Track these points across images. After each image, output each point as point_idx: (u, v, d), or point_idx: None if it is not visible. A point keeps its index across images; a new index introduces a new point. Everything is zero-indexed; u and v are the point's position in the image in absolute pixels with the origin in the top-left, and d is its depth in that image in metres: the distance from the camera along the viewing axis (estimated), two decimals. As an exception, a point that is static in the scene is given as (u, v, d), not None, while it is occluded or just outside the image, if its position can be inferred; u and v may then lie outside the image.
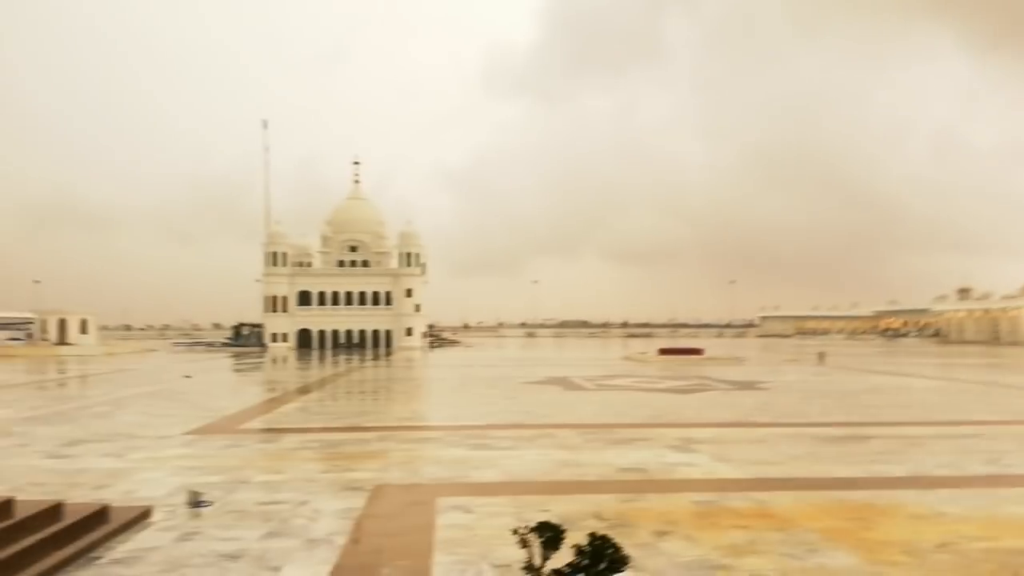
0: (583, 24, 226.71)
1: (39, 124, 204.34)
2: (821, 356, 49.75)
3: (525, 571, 4.76)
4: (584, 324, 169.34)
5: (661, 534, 8.02)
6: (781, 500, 9.55)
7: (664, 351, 52.01)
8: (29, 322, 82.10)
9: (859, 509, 9.10)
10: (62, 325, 66.18)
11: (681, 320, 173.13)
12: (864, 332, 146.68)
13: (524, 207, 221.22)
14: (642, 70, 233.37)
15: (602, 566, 4.48)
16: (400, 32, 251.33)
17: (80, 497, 9.27)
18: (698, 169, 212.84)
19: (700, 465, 12.14)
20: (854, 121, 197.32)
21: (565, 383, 29.57)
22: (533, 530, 4.80)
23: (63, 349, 61.71)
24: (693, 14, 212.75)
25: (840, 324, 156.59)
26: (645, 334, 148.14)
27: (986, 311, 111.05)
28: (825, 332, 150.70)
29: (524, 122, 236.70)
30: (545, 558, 4.71)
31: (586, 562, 4.51)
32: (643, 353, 55.55)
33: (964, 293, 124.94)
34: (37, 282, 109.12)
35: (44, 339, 65.50)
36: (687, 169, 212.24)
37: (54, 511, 7.64)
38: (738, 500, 9.59)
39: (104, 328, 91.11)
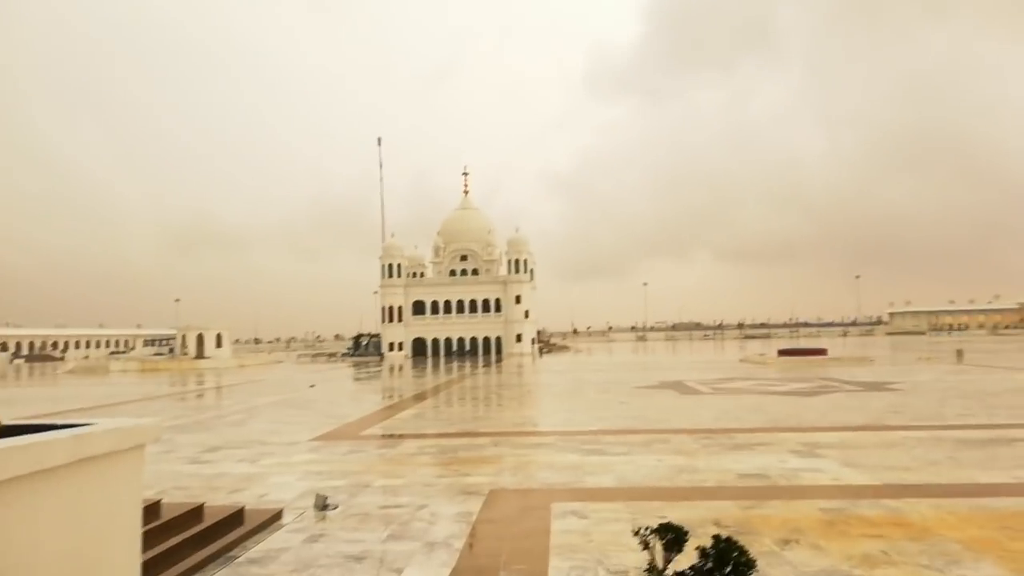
0: (688, 17, 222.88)
1: (178, 156, 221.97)
2: (959, 353, 46.30)
3: (647, 573, 4.69)
4: (697, 326, 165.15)
5: (786, 542, 7.69)
6: (917, 508, 8.95)
7: (784, 352, 49.88)
8: (171, 338, 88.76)
9: (1005, 518, 8.39)
10: (200, 340, 71.08)
11: (801, 319, 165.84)
12: (1008, 326, 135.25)
13: (632, 208, 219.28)
14: (753, 60, 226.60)
15: (727, 570, 4.34)
16: (504, 43, 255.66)
17: (219, 500, 9.92)
18: (817, 159, 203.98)
19: (826, 471, 11.56)
20: (987, 99, 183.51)
21: (679, 387, 28.94)
22: (655, 532, 4.72)
23: (201, 362, 66.30)
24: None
25: (980, 319, 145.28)
26: (763, 335, 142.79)
27: None
28: (963, 328, 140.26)
29: (630, 122, 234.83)
30: (667, 560, 4.62)
31: (710, 565, 4.38)
32: (761, 355, 53.54)
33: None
34: (177, 300, 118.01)
35: (184, 353, 70.56)
36: (805, 160, 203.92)
37: (196, 512, 8.21)
38: (869, 508, 9.06)
39: (236, 342, 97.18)
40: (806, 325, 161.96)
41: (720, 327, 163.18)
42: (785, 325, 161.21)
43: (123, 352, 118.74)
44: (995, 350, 59.79)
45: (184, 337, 71.95)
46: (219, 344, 72.30)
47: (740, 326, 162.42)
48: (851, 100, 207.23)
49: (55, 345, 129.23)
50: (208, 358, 68.49)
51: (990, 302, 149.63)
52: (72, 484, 4.44)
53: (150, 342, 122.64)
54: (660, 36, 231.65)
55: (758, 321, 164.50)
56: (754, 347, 78.88)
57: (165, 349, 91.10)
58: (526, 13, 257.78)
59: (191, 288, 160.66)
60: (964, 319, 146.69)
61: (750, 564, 4.39)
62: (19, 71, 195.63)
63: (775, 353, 50.33)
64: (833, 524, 8.36)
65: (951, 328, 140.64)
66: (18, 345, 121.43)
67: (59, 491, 4.33)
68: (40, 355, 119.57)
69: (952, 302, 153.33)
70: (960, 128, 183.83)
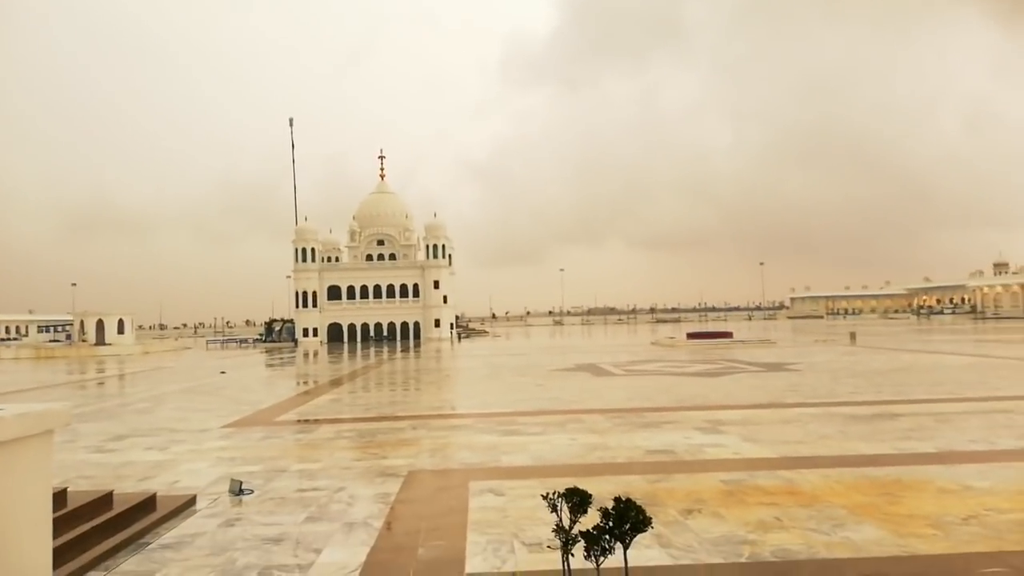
0: (602, 9, 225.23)
1: (75, 133, 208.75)
2: (852, 336, 49.28)
3: (555, 533, 5.02)
4: (611, 311, 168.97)
5: (689, 512, 8.18)
6: (808, 478, 9.65)
7: (692, 335, 51.86)
8: (68, 323, 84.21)
9: (887, 485, 9.17)
10: (100, 326, 67.72)
11: (710, 304, 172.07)
12: (897, 311, 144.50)
13: (548, 196, 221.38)
14: (664, 53, 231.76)
15: (626, 526, 4.71)
16: (421, 27, 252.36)
17: (127, 488, 9.67)
18: (724, 151, 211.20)
19: (728, 446, 12.25)
20: (882, 97, 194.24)
21: (593, 369, 29.73)
22: (562, 496, 5.06)
23: (101, 349, 63.22)
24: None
25: (872, 303, 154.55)
26: (674, 319, 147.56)
27: (1023, 285, 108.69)
28: (857, 312, 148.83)
29: (545, 111, 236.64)
30: (573, 521, 4.97)
31: (611, 524, 4.74)
32: (671, 338, 55.42)
33: (1000, 268, 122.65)
34: (74, 284, 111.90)
35: (83, 340, 67.12)
36: (713, 152, 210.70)
37: (105, 500, 8.02)
38: (766, 479, 9.70)
39: (140, 328, 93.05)
40: (714, 310, 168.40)
41: (633, 312, 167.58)
42: (694, 310, 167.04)
43: (15, 339, 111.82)
44: (884, 333, 63.85)
45: (83, 323, 68.39)
46: (121, 330, 69.06)
47: (652, 311, 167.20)
48: (755, 97, 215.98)
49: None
50: (109, 344, 65.36)
51: (881, 288, 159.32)
52: (-22, 470, 4.34)
53: (44, 328, 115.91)
54: (574, 26, 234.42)
55: (669, 306, 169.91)
56: (665, 331, 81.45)
57: (62, 335, 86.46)
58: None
59: (90, 272, 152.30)
60: (858, 304, 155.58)
61: (646, 521, 4.79)
62: None
63: (684, 336, 52.23)
64: (732, 494, 8.94)
65: (846, 312, 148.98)
66: None
67: (-36, 477, 4.23)
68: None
69: (847, 288, 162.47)
70: (856, 126, 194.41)
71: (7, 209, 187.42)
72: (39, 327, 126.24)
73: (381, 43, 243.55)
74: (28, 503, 4.83)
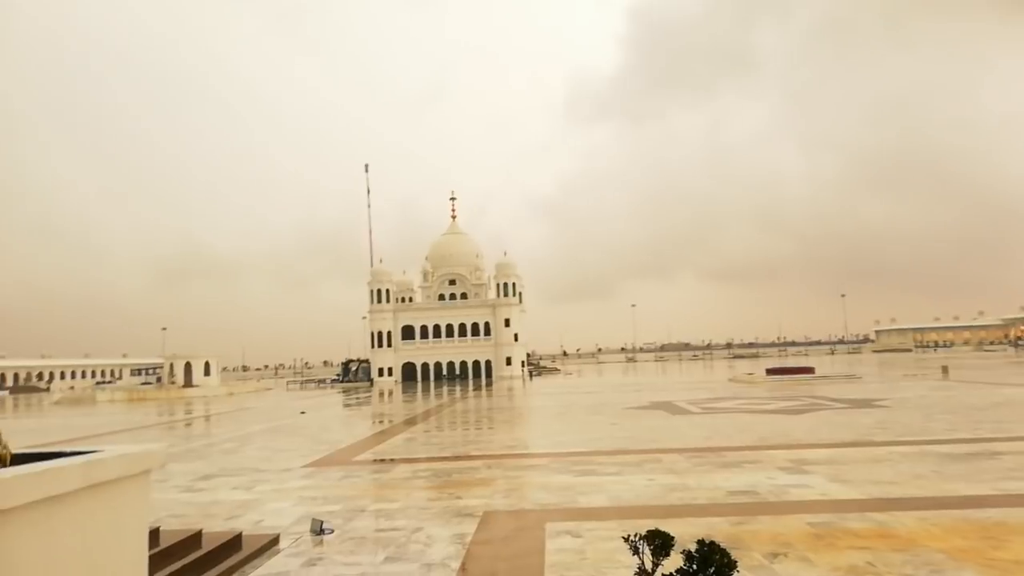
0: (667, 43, 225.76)
1: (166, 183, 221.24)
2: (944, 370, 46.78)
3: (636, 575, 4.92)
4: (686, 346, 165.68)
5: (775, 556, 7.88)
6: (903, 520, 9.17)
7: (772, 371, 50.22)
8: (158, 367, 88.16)
9: (988, 528, 8.62)
10: (187, 368, 70.62)
11: (789, 339, 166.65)
12: (993, 342, 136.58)
13: (617, 230, 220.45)
14: (732, 83, 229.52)
15: (711, 570, 4.57)
16: (487, 69, 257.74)
17: (215, 527, 9.99)
18: (796, 180, 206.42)
19: (814, 486, 11.77)
20: (960, 119, 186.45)
21: (669, 407, 29.13)
22: (643, 537, 4.96)
23: (189, 391, 65.85)
24: (783, 23, 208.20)
25: (965, 335, 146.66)
26: (751, 355, 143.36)
27: None
28: (948, 344, 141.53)
29: (611, 146, 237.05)
30: (655, 564, 4.86)
31: (694, 567, 4.61)
32: (750, 374, 53.88)
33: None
34: (164, 329, 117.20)
35: (172, 382, 70.06)
36: (785, 181, 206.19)
37: (195, 538, 8.31)
38: (856, 521, 9.26)
39: (224, 370, 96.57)
40: (794, 344, 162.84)
41: (709, 347, 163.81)
42: (773, 344, 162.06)
43: (109, 382, 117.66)
44: (979, 366, 60.40)
45: (172, 366, 71.46)
46: (207, 372, 71.85)
47: (729, 346, 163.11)
48: (828, 123, 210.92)
49: (40, 376, 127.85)
50: (196, 386, 68.03)
51: (974, 318, 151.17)
52: (83, 509, 4.59)
53: (137, 371, 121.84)
54: (638, 61, 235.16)
55: (746, 341, 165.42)
56: (743, 366, 79.22)
57: (153, 378, 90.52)
58: (507, 40, 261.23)
59: (178, 317, 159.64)
60: (949, 335, 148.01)
61: (731, 565, 4.63)
62: (1, 95, 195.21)
63: (763, 372, 50.67)
64: (821, 537, 8.56)
65: (937, 345, 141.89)
66: (3, 377, 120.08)
67: (71, 516, 4.47)
68: (25, 386, 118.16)
69: (937, 319, 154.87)
70: (934, 146, 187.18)
71: (104, 258, 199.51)
72: (132, 370, 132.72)
73: (449, 88, 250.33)
74: (127, 541, 5.06)
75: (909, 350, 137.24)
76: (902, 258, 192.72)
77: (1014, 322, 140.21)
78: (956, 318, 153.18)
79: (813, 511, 9.97)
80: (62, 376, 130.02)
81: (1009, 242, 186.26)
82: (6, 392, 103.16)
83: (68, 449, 5.21)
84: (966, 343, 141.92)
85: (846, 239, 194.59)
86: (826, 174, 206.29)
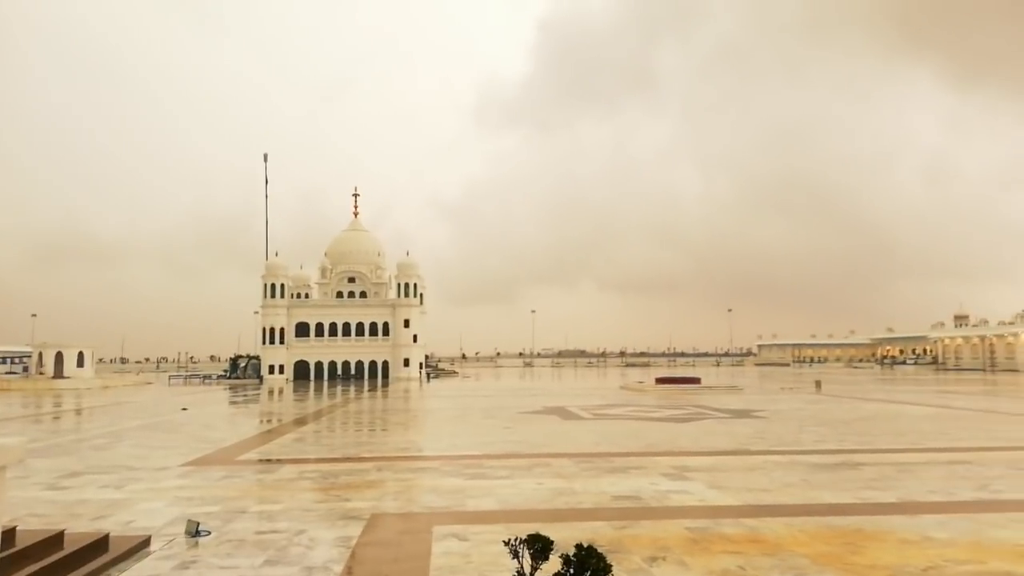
0: (576, 55, 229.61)
1: (46, 156, 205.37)
2: (818, 384, 49.88)
3: None
4: (582, 353, 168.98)
5: (653, 559, 8.15)
6: (772, 527, 9.68)
7: (661, 380, 52.06)
8: (26, 355, 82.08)
9: (848, 534, 9.24)
10: (59, 358, 66.10)
11: (679, 349, 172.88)
12: (862, 360, 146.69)
13: (521, 236, 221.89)
14: (636, 100, 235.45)
15: (587, 574, 4.68)
16: (397, 67, 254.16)
17: (80, 528, 9.38)
18: (694, 198, 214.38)
19: (694, 493, 12.26)
20: (844, 151, 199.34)
21: (562, 412, 29.65)
22: (523, 542, 5.02)
23: (59, 382, 61.55)
24: (685, 45, 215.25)
25: (837, 352, 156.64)
26: (643, 363, 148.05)
27: (982, 338, 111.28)
28: (823, 360, 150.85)
29: (519, 152, 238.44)
30: (535, 568, 4.93)
31: (571, 571, 4.71)
32: (640, 382, 55.58)
33: (960, 320, 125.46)
34: (34, 315, 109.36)
35: (40, 372, 65.39)
36: (683, 198, 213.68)
37: (56, 540, 7.76)
38: (731, 527, 9.71)
39: (101, 361, 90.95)
40: (683, 355, 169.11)
41: (603, 355, 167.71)
42: (664, 354, 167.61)
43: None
44: (849, 381, 64.73)
45: (41, 355, 66.67)
46: (80, 363, 67.48)
47: (622, 354, 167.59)
48: (723, 145, 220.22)
49: None
50: (68, 378, 63.69)
51: (846, 337, 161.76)
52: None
53: (1, 359, 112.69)
54: (548, 71, 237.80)
55: (639, 350, 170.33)
56: (634, 375, 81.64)
57: (19, 368, 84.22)
58: (417, 41, 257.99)
59: (53, 303, 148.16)
60: (824, 352, 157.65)
61: (607, 569, 4.77)
62: None
63: (653, 381, 52.41)
64: (697, 542, 8.92)
65: (812, 360, 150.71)
66: None
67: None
68: None
69: (813, 336, 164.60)
70: (817, 177, 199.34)
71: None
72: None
73: (356, 82, 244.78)
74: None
75: (787, 364, 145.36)
76: (785, 278, 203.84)
77: (881, 342, 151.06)
78: (830, 336, 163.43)
79: (692, 516, 10.39)
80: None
81: (879, 270, 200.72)
82: None
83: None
84: (838, 359, 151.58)
85: (736, 258, 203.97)
86: (721, 195, 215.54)
